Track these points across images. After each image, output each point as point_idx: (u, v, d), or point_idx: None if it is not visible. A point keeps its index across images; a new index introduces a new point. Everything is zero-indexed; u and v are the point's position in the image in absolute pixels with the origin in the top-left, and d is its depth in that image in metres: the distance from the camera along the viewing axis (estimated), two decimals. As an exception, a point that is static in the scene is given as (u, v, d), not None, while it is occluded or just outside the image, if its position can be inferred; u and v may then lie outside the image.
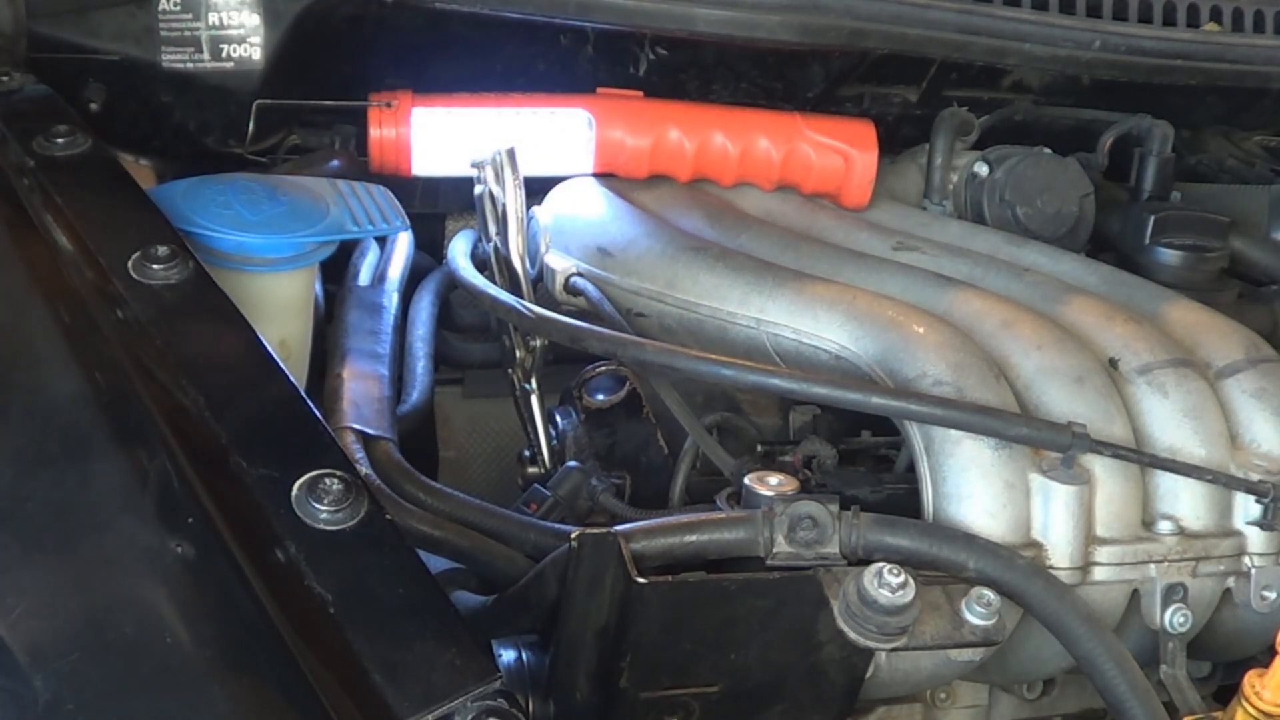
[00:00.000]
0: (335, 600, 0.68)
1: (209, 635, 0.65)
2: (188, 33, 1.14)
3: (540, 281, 1.21)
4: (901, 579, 0.85)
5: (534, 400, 1.17)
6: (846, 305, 1.08)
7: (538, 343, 1.15)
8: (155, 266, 0.86)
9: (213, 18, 1.14)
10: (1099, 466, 1.01)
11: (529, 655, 0.98)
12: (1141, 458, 1.02)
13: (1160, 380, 1.07)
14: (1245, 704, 0.88)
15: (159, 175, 1.19)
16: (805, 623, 0.91)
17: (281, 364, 0.85)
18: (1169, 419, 1.06)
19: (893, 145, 1.37)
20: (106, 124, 1.10)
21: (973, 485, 0.98)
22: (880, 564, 0.86)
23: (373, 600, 0.69)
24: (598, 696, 0.93)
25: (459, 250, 1.23)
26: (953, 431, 0.99)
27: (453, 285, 1.31)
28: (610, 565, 0.87)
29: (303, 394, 0.84)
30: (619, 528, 0.90)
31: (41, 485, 0.70)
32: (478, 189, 1.22)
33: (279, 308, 1.12)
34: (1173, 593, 1.01)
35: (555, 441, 1.16)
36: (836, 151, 1.29)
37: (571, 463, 1.12)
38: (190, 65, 1.16)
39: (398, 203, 1.17)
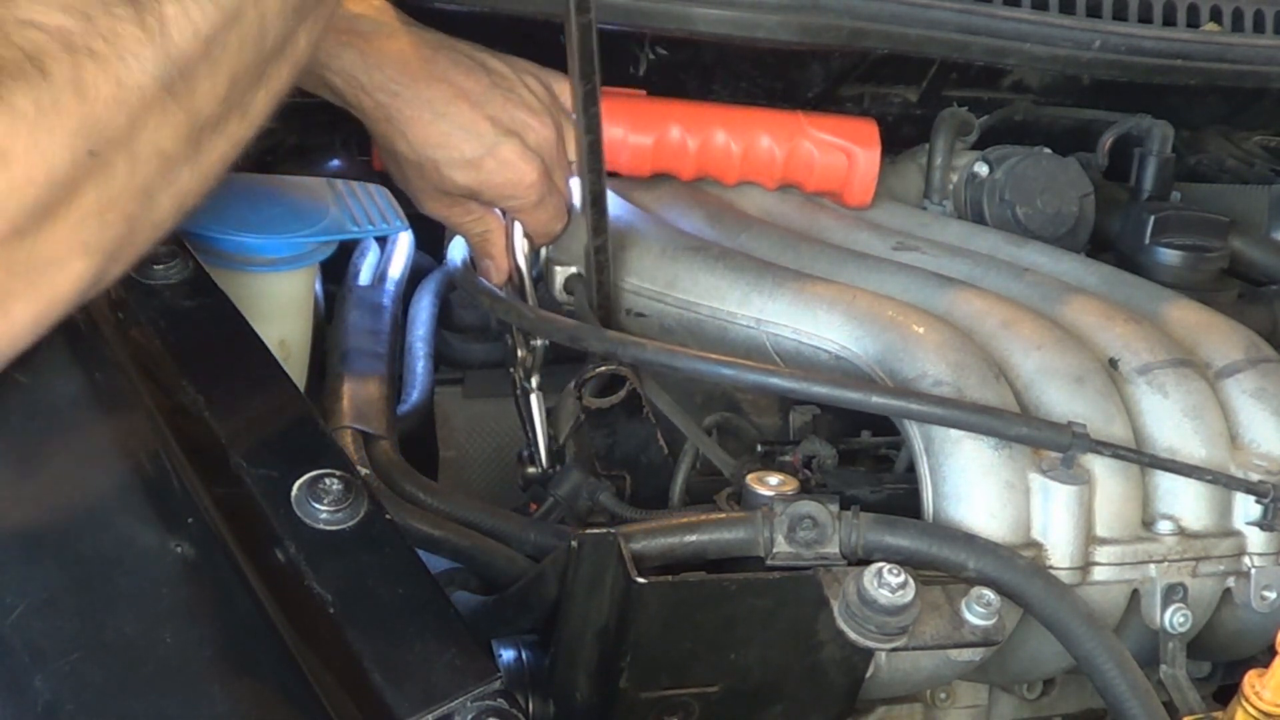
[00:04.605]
0: (335, 600, 0.68)
1: (209, 635, 0.65)
2: (188, 32, 1.14)
3: (541, 281, 1.21)
4: (901, 579, 0.85)
5: (534, 400, 1.16)
6: (846, 305, 1.08)
7: (539, 342, 1.15)
8: (155, 266, 0.86)
9: (213, 18, 1.13)
10: (1099, 466, 1.01)
11: (529, 655, 0.98)
12: (1141, 458, 1.02)
13: (1160, 380, 1.07)
14: (1245, 704, 0.87)
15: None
16: (805, 623, 0.91)
17: (281, 364, 0.85)
18: (1169, 419, 1.06)
19: (893, 145, 1.37)
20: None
21: (973, 485, 0.98)
22: (880, 564, 0.86)
23: (373, 600, 0.69)
24: (598, 696, 0.93)
25: (459, 250, 1.23)
26: (953, 431, 0.99)
27: (453, 285, 1.31)
28: (610, 565, 0.87)
29: (302, 394, 0.84)
30: (619, 528, 0.90)
31: (41, 485, 0.70)
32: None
33: (279, 308, 1.12)
34: (1173, 593, 1.01)
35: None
36: (839, 149, 1.29)
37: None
38: (190, 65, 1.15)
39: (397, 203, 1.17)
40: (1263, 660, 0.89)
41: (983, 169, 1.34)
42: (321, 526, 0.71)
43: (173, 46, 0.64)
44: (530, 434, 1.17)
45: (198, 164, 0.69)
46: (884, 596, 0.85)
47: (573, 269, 1.18)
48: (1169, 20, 1.33)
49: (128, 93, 0.63)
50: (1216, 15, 1.36)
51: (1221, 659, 1.15)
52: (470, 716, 0.64)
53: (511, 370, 1.18)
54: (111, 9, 0.63)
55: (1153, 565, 1.01)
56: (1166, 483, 1.04)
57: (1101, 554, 1.00)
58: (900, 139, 1.39)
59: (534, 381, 1.16)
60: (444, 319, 1.33)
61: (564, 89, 1.18)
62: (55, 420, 0.73)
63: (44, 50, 0.61)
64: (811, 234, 1.27)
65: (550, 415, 1.16)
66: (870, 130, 1.30)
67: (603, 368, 1.14)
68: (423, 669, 0.66)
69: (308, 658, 0.65)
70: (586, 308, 1.13)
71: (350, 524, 0.71)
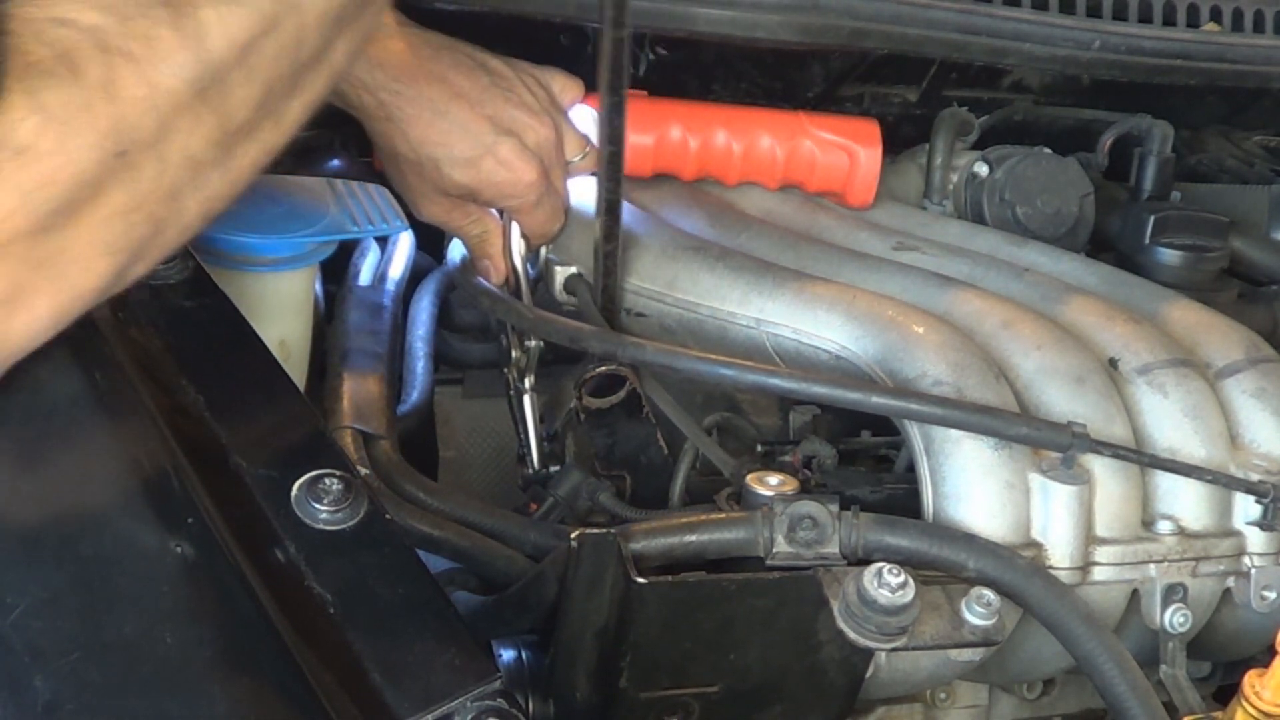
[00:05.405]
0: (335, 600, 0.68)
1: (209, 635, 0.65)
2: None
3: (540, 281, 1.21)
4: (901, 579, 0.85)
5: (527, 401, 1.16)
6: (846, 305, 1.08)
7: (533, 343, 1.15)
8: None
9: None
10: (1099, 466, 1.01)
11: (529, 655, 0.98)
12: (1141, 458, 1.02)
13: (1160, 380, 1.07)
14: (1245, 704, 0.88)
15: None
16: (805, 623, 0.91)
17: (281, 364, 0.85)
18: (1169, 419, 1.06)
19: (893, 145, 1.37)
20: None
21: (973, 485, 0.98)
22: (880, 564, 0.86)
23: (373, 600, 0.69)
24: (598, 696, 0.93)
25: (459, 250, 1.23)
26: (953, 431, 0.99)
27: (453, 285, 1.31)
28: (610, 565, 0.87)
29: (302, 394, 0.84)
30: (619, 528, 0.90)
31: (41, 485, 0.70)
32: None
33: (279, 308, 1.12)
34: (1173, 593, 1.01)
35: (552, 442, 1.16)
36: (841, 149, 1.29)
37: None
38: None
39: (397, 203, 1.17)
40: (1263, 660, 0.89)
41: (983, 169, 1.34)
42: (321, 526, 0.71)
43: (208, 52, 0.63)
44: (523, 434, 1.17)
45: (228, 170, 0.68)
46: (884, 596, 0.85)
47: (573, 269, 1.18)
48: (1169, 20, 1.33)
49: (160, 96, 0.62)
50: (1216, 15, 1.36)
51: (1221, 659, 1.15)
52: (470, 716, 0.64)
53: (506, 371, 1.18)
54: (148, 11, 0.62)
55: (1153, 565, 1.01)
56: (1166, 483, 1.04)
57: (1101, 554, 1.00)
58: (900, 139, 1.39)
59: (528, 382, 1.16)
60: (444, 319, 1.33)
61: (563, 89, 1.18)
62: (55, 420, 0.73)
63: (77, 49, 0.60)
64: (811, 234, 1.27)
65: (546, 412, 1.16)
66: (871, 130, 1.30)
67: (603, 368, 1.14)
68: (423, 669, 0.66)
69: (308, 658, 0.65)
70: (593, 308, 1.13)
71: (350, 524, 0.71)
